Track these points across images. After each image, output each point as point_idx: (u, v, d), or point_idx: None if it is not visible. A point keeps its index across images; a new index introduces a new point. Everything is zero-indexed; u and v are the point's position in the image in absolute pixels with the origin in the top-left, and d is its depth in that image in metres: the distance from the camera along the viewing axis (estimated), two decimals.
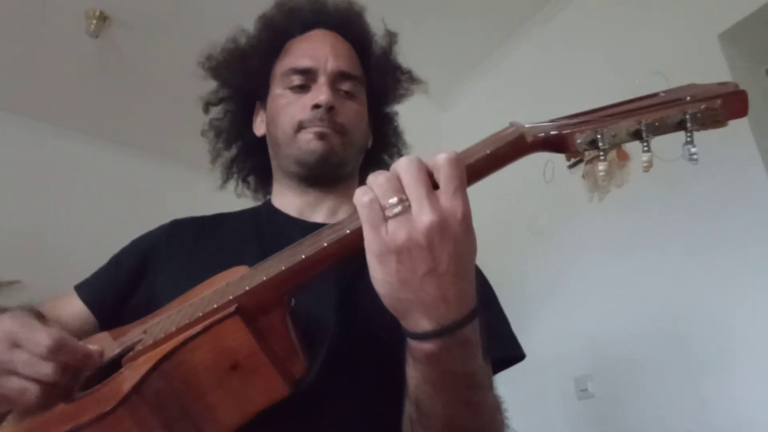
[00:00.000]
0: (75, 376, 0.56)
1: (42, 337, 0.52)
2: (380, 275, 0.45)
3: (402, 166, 0.45)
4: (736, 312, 1.67)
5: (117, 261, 0.82)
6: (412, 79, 0.98)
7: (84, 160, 3.08)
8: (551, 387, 2.14)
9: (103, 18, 2.39)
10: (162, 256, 0.80)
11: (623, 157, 2.09)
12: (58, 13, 2.37)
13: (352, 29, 0.91)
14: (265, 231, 0.82)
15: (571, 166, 2.29)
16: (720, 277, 1.73)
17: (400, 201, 0.44)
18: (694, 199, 1.84)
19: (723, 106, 0.44)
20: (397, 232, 0.43)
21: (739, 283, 1.68)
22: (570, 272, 2.21)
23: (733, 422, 1.62)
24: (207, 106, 0.96)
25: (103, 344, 0.66)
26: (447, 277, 0.44)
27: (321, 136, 0.79)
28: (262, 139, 0.91)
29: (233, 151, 0.96)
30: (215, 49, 0.93)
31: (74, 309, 0.77)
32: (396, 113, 1.01)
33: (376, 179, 0.45)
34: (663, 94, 0.48)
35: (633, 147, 1.91)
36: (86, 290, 0.79)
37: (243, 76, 0.91)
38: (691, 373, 1.75)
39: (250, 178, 0.98)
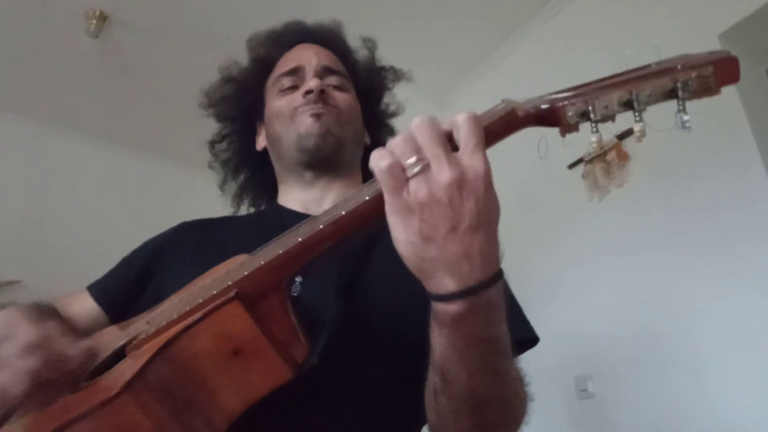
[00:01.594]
0: (69, 374, 0.56)
1: (24, 333, 0.54)
2: (403, 235, 0.45)
3: (416, 125, 0.46)
4: (736, 312, 1.67)
5: (127, 261, 0.85)
6: (396, 74, 1.02)
7: (84, 160, 3.08)
8: (551, 387, 2.14)
9: (103, 18, 2.39)
10: (169, 256, 0.82)
11: (623, 157, 2.09)
12: (58, 13, 2.37)
13: (334, 43, 0.96)
14: (270, 228, 0.83)
15: (570, 166, 2.29)
16: (720, 277, 1.73)
17: (419, 160, 0.44)
18: (694, 199, 1.84)
19: (714, 73, 0.44)
20: (418, 190, 0.44)
21: (739, 283, 1.68)
22: (570, 272, 2.21)
23: (733, 422, 1.62)
24: (212, 144, 1.00)
25: (111, 337, 0.67)
26: (469, 234, 0.44)
27: (317, 117, 0.82)
28: (267, 157, 0.94)
29: (240, 179, 0.99)
30: (210, 85, 0.97)
31: (86, 307, 0.79)
32: (393, 128, 1.04)
33: (393, 141, 0.46)
34: (654, 65, 0.48)
35: (633, 145, 1.88)
36: (98, 289, 0.81)
37: (240, 100, 0.96)
38: (692, 373, 1.75)
39: (261, 201, 1.01)
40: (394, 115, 1.03)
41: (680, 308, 1.83)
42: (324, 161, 0.84)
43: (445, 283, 0.46)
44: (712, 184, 1.81)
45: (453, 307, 0.46)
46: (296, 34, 0.96)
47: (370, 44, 1.00)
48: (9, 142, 2.86)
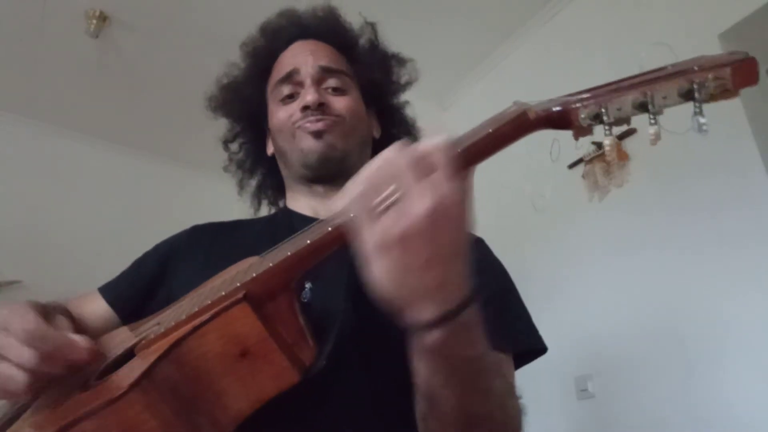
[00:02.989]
0: (75, 369, 0.56)
1: (24, 323, 0.54)
2: (382, 268, 0.44)
3: (390, 155, 0.45)
4: (736, 311, 1.68)
5: (138, 265, 0.85)
6: (401, 61, 0.98)
7: (84, 160, 3.08)
8: (551, 387, 2.14)
9: (103, 18, 2.40)
10: (180, 259, 0.82)
11: (623, 157, 2.09)
12: (58, 13, 2.37)
13: (330, 32, 0.92)
14: (280, 231, 0.83)
15: (570, 166, 2.29)
16: (720, 277, 1.73)
17: (392, 192, 0.43)
18: (694, 199, 1.84)
19: (732, 74, 0.43)
20: (393, 224, 0.43)
21: (739, 283, 1.68)
22: (570, 272, 2.21)
23: (732, 422, 1.62)
24: (225, 143, 0.98)
25: (123, 337, 0.68)
26: (446, 262, 0.44)
27: (317, 135, 0.80)
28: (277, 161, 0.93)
29: (257, 178, 0.98)
30: (214, 89, 0.96)
31: (98, 308, 0.79)
32: (407, 102, 1.00)
33: (367, 170, 0.45)
34: (670, 67, 0.46)
35: (633, 145, 1.88)
36: (110, 291, 0.81)
37: (244, 107, 0.94)
38: (691, 373, 1.75)
39: (279, 201, 1.00)
40: (408, 85, 0.99)
41: (680, 308, 1.83)
42: (330, 175, 0.83)
43: (424, 311, 0.45)
44: (712, 184, 1.80)
45: (436, 334, 0.46)
46: (291, 29, 0.92)
47: (371, 28, 0.96)
48: (9, 142, 2.87)
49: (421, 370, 0.51)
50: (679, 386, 1.77)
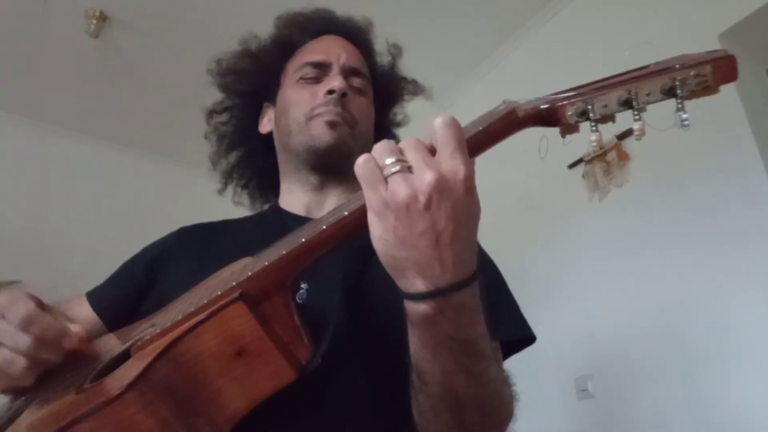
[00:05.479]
0: (76, 362, 0.58)
1: (19, 309, 0.56)
2: (378, 232, 0.46)
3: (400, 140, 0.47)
4: (736, 311, 1.67)
5: (127, 269, 0.84)
6: (417, 87, 1.02)
7: (84, 160, 3.08)
8: (551, 387, 2.14)
9: (103, 18, 2.40)
10: (170, 262, 0.81)
11: (623, 157, 2.09)
12: (58, 13, 2.37)
13: (359, 38, 0.95)
14: (272, 232, 0.83)
15: (570, 166, 2.29)
16: (720, 277, 1.73)
17: (399, 161, 0.45)
18: (694, 199, 1.84)
19: (713, 71, 0.45)
20: (397, 189, 0.44)
21: (739, 283, 1.68)
22: (570, 272, 2.21)
23: (732, 422, 1.62)
24: (211, 114, 0.98)
25: (113, 342, 0.68)
26: (444, 238, 0.44)
27: (332, 126, 0.81)
28: (267, 141, 0.92)
29: (234, 156, 0.98)
30: (224, 54, 0.96)
31: (85, 314, 0.79)
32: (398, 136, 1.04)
33: (382, 141, 0.47)
34: (653, 66, 0.49)
35: (633, 145, 1.87)
36: (96, 298, 0.81)
37: (253, 75, 0.94)
38: (691, 373, 1.75)
39: (250, 185, 1.00)
40: (399, 125, 1.03)
41: (680, 308, 1.82)
42: (331, 168, 0.84)
43: (414, 283, 0.46)
44: (712, 184, 1.80)
45: (422, 307, 0.46)
46: (326, 23, 0.94)
47: (395, 51, 0.99)
48: (9, 143, 2.87)
49: (411, 342, 0.52)
50: (679, 386, 1.77)
